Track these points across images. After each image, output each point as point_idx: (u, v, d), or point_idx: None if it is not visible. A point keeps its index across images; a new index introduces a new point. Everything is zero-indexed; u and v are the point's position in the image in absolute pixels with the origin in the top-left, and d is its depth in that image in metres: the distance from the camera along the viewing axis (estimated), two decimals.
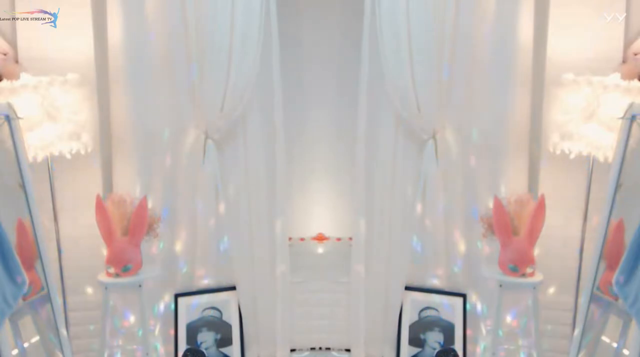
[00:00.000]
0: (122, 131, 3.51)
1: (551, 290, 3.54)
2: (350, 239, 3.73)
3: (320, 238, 4.27)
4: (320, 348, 3.83)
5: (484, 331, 3.53)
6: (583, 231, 3.42)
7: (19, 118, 2.85)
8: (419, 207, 3.55)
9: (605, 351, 3.11)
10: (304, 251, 4.13)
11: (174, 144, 3.52)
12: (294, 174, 4.09)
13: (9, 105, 2.82)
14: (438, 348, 3.60)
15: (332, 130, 4.24)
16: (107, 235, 3.22)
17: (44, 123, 3.14)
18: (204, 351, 3.58)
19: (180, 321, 3.57)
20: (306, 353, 3.81)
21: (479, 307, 3.61)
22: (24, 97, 3.04)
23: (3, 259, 2.63)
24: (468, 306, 3.60)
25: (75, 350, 3.43)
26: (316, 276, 3.83)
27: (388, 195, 3.59)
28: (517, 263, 3.24)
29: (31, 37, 3.33)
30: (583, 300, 3.12)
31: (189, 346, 3.57)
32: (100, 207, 3.19)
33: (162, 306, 3.61)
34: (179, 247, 3.61)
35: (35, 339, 3.10)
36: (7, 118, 2.79)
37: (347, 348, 3.77)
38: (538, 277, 3.30)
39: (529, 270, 3.27)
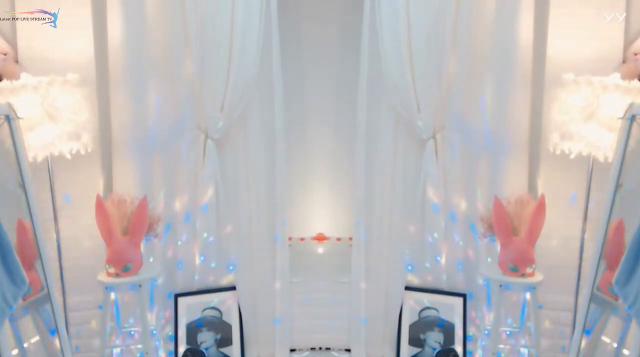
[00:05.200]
0: (122, 131, 3.51)
1: (551, 290, 3.53)
2: (351, 239, 3.73)
3: (320, 238, 4.27)
4: (320, 348, 3.83)
5: (483, 331, 3.53)
6: (583, 231, 3.42)
7: (19, 118, 2.85)
8: (418, 207, 3.55)
9: (605, 351, 3.11)
10: (304, 251, 4.13)
11: (174, 144, 3.52)
12: (294, 174, 4.08)
13: (9, 105, 2.82)
14: (438, 348, 3.60)
15: (332, 130, 4.24)
16: (107, 235, 3.21)
17: (44, 123, 3.14)
18: (204, 351, 3.58)
19: (180, 321, 3.58)
20: (306, 353, 3.81)
21: (479, 307, 3.61)
22: (24, 97, 3.04)
23: (3, 259, 2.64)
24: (468, 306, 3.60)
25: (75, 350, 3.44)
26: (316, 276, 3.83)
27: (388, 195, 3.59)
28: (517, 263, 3.24)
29: (31, 37, 3.32)
30: (583, 300, 3.12)
31: (189, 346, 3.57)
32: (100, 207, 3.19)
33: (162, 306, 3.61)
34: (179, 247, 3.61)
35: (35, 339, 3.10)
36: (7, 118, 2.80)
37: (347, 348, 3.77)
38: (538, 277, 3.30)
39: (529, 270, 3.27)
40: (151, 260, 3.51)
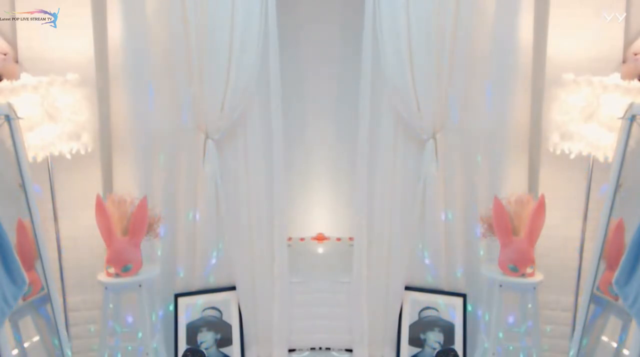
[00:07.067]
0: (122, 131, 3.51)
1: (551, 290, 3.54)
2: (351, 239, 3.73)
3: (320, 238, 4.27)
4: (320, 348, 3.83)
5: (483, 331, 3.53)
6: (583, 231, 3.42)
7: (19, 118, 2.85)
8: (419, 207, 3.55)
9: (605, 351, 3.11)
10: (304, 251, 4.13)
11: (174, 144, 3.53)
12: (294, 174, 4.08)
13: (9, 105, 2.82)
14: (438, 348, 3.60)
15: (332, 130, 4.24)
16: (107, 235, 3.22)
17: (44, 123, 3.14)
18: (204, 351, 3.58)
19: (180, 321, 3.57)
20: (306, 353, 3.81)
21: (479, 307, 3.61)
22: (24, 97, 3.04)
23: (3, 259, 2.64)
24: (468, 306, 3.60)
25: (75, 350, 3.44)
26: (316, 276, 3.83)
27: (388, 195, 3.59)
28: (517, 263, 3.24)
29: (31, 37, 3.33)
30: (583, 300, 3.12)
31: (189, 346, 3.57)
32: (100, 207, 3.19)
33: (162, 306, 3.61)
34: (179, 247, 3.61)
35: (35, 339, 3.11)
36: (7, 118, 2.80)
37: (347, 348, 3.77)
38: (538, 277, 3.30)
39: (529, 270, 3.27)
40: (151, 260, 3.51)
